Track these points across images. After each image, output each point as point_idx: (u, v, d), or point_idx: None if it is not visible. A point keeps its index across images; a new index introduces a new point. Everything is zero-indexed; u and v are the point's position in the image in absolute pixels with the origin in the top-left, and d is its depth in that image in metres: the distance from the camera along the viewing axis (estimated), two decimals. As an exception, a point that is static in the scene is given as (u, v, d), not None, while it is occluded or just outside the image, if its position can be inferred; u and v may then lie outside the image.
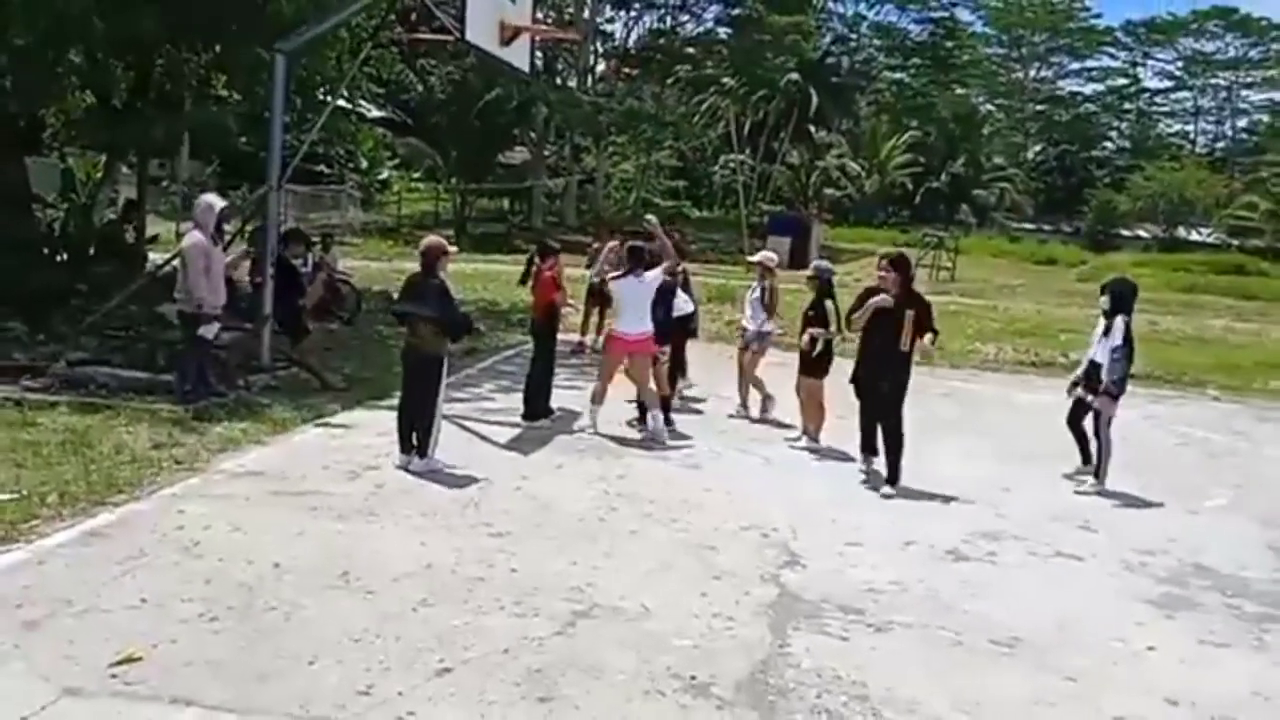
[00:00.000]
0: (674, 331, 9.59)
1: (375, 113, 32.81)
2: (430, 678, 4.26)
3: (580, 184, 43.42)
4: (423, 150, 36.21)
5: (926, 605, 5.47)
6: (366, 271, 19.39)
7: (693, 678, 4.42)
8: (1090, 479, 8.11)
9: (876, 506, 7.37)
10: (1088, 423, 8.24)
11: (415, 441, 7.30)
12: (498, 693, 4.17)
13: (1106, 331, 8.07)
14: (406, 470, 7.21)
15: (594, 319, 13.13)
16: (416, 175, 41.66)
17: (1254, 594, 6.02)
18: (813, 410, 8.87)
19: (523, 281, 10.15)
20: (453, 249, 7.80)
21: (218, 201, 9.01)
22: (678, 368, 9.98)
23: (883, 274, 7.67)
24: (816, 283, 8.95)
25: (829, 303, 8.75)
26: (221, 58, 13.56)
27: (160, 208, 23.47)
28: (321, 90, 15.25)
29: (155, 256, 13.31)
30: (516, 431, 8.73)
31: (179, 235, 15.86)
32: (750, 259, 10.05)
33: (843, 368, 8.23)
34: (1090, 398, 8.09)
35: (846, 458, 8.52)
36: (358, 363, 11.11)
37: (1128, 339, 7.93)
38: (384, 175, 40.27)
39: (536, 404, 9.07)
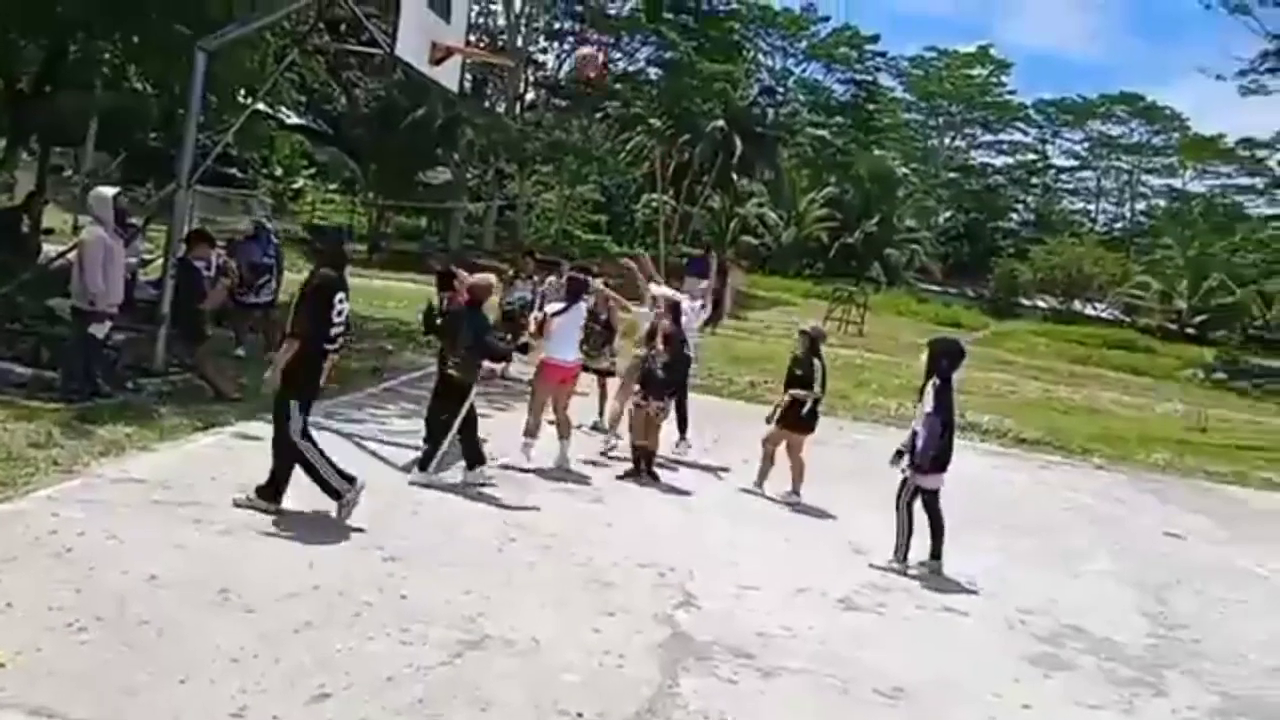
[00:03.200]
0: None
1: (294, 119, 32.17)
2: (308, 702, 4.12)
3: (501, 210, 43.27)
4: (342, 161, 35.62)
5: (816, 652, 5.52)
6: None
7: (579, 714, 4.36)
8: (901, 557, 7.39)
9: (776, 552, 7.44)
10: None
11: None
12: (378, 722, 4.05)
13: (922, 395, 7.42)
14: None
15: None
16: (333, 187, 40.94)
17: (1126, 658, 6.24)
18: (795, 463, 8.94)
19: (426, 332, 9.43)
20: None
21: (109, 191, 8.74)
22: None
23: None
24: (808, 340, 9.01)
25: (817, 361, 8.86)
26: (139, 48, 13.15)
27: (60, 198, 22.55)
28: (241, 92, 14.90)
29: (50, 248, 12.74)
30: (418, 455, 8.54)
31: (77, 227, 15.26)
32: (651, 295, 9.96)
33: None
34: (903, 467, 7.41)
35: (756, 501, 8.59)
36: (257, 372, 10.76)
37: (939, 405, 7.23)
38: (298, 184, 39.48)
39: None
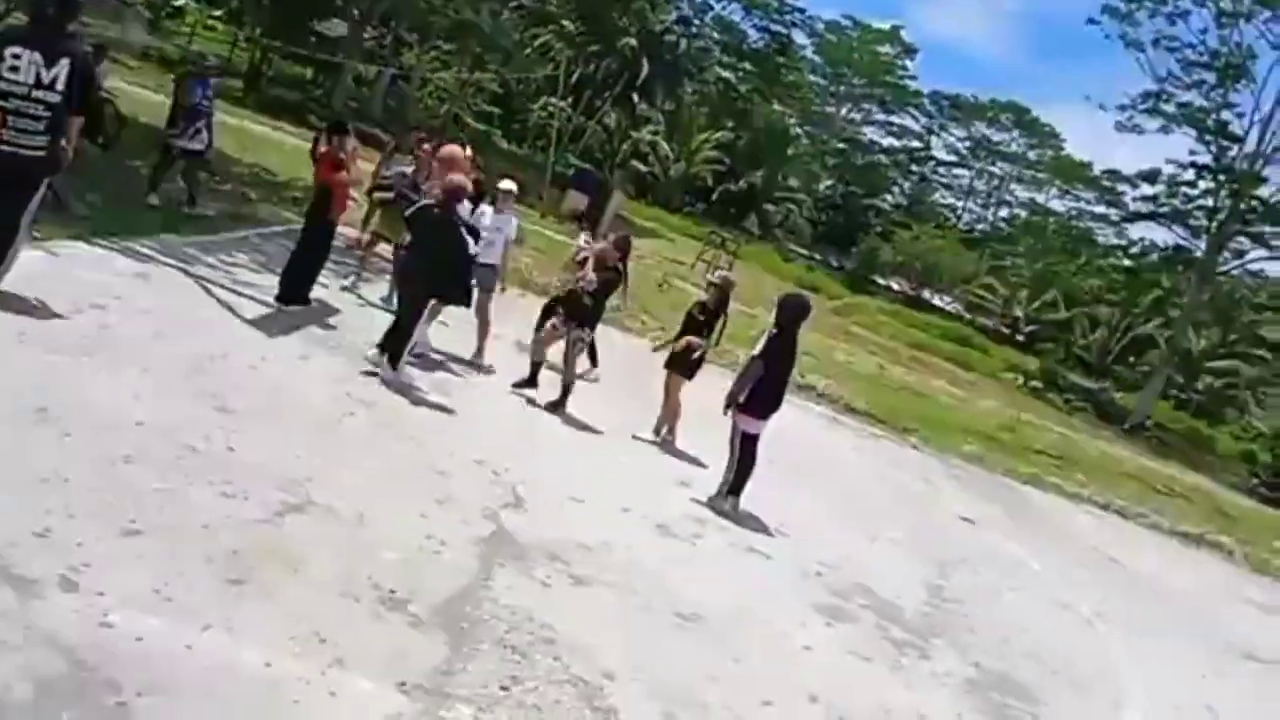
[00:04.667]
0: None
1: (185, -68, 29.69)
2: (117, 536, 4.06)
3: (394, 79, 41.50)
4: (233, -11, 33.24)
5: (627, 569, 5.77)
6: (135, 97, 17.67)
7: (392, 591, 4.45)
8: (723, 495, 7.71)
9: (609, 472, 7.66)
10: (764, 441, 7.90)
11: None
12: (186, 565, 4.03)
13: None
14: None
15: (374, 220, 12.63)
16: (218, 13, 38.23)
17: (903, 621, 6.77)
18: (672, 404, 9.05)
19: (314, 158, 9.70)
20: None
21: None
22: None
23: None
24: (719, 293, 9.13)
25: (724, 315, 9.08)
26: None
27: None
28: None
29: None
30: (267, 311, 8.31)
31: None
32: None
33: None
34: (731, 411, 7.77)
35: (602, 423, 8.77)
36: (103, 193, 10.16)
37: (765, 350, 7.69)
38: (180, 1, 36.67)
39: (295, 288, 8.65)
